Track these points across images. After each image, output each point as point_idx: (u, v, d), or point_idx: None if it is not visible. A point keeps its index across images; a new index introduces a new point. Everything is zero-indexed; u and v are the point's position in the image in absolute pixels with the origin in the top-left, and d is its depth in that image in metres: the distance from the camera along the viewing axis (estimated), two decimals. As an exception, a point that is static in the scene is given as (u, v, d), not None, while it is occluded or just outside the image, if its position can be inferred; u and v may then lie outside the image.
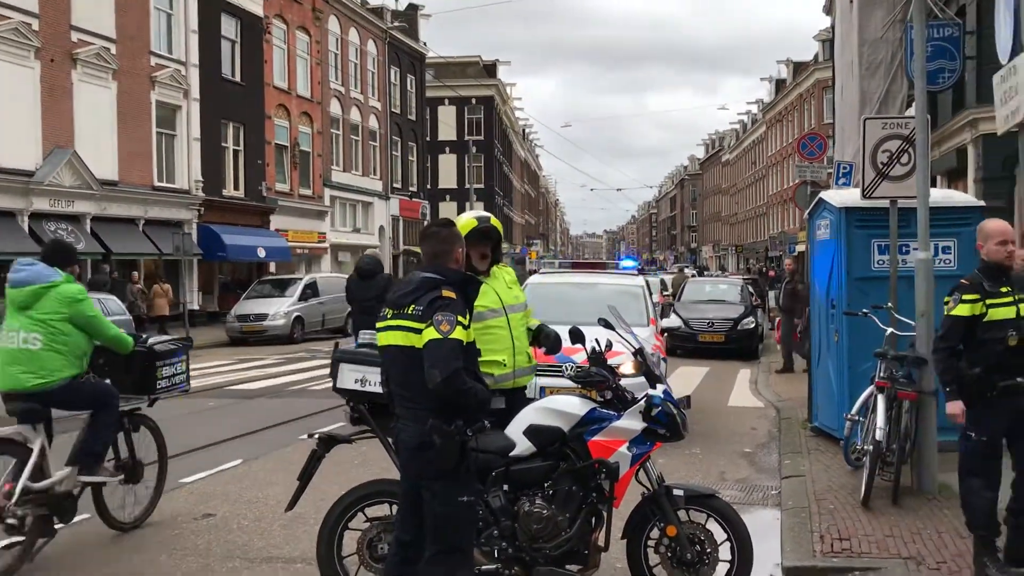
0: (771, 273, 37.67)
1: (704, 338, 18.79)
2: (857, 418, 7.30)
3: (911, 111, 10.79)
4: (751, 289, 22.54)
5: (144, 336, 6.82)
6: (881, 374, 6.95)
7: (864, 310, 7.78)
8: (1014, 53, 6.25)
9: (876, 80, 16.92)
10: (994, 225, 5.21)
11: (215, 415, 11.68)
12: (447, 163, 58.02)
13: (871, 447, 6.56)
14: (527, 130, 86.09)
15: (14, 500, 5.30)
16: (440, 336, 3.91)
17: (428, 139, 51.69)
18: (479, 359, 4.44)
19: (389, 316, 4.12)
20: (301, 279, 25.98)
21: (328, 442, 4.87)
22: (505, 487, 4.70)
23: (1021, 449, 5.09)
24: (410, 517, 4.22)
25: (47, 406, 5.67)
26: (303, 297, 24.47)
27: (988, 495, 5.08)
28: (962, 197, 9.22)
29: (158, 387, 6.42)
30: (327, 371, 5.05)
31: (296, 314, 23.79)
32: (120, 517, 6.29)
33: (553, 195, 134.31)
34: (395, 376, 4.12)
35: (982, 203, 8.80)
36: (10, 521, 5.31)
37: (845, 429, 7.59)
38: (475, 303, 4.85)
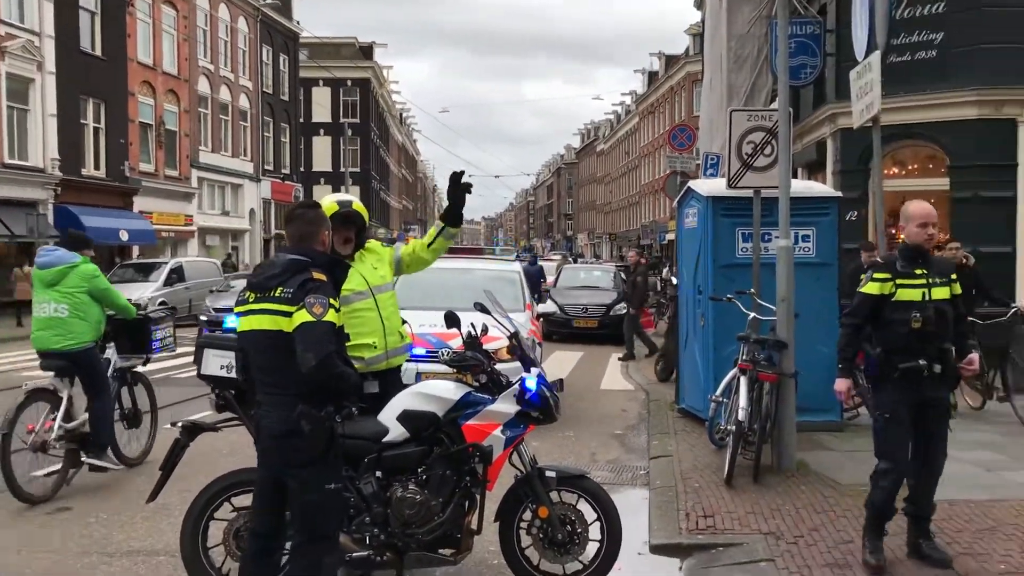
0: (643, 260, 38.52)
1: (578, 323, 19.14)
2: (721, 399, 7.56)
3: (775, 104, 11.22)
4: (623, 276, 23.04)
5: (143, 304, 8.49)
6: (743, 357, 7.21)
7: (728, 295, 8.05)
8: (869, 51, 6.56)
9: (743, 74, 17.53)
10: (916, 207, 5.07)
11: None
12: (322, 145, 56.87)
13: (734, 427, 6.81)
14: (404, 114, 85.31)
15: (54, 435, 6.71)
16: (313, 319, 3.81)
17: (302, 121, 50.51)
18: (348, 343, 4.36)
19: (251, 300, 3.98)
20: (166, 263, 25.02)
21: (192, 431, 4.70)
22: (378, 473, 4.66)
23: (925, 435, 4.99)
24: (267, 508, 4.12)
25: (73, 363, 6.95)
26: (168, 282, 23.56)
27: (891, 478, 4.95)
28: (821, 188, 9.65)
29: (153, 347, 7.72)
30: (192, 358, 4.86)
31: (160, 300, 22.88)
32: (128, 454, 7.55)
33: (431, 180, 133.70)
34: (259, 362, 3.98)
35: (839, 194, 9.25)
36: (52, 453, 6.78)
37: (710, 410, 7.85)
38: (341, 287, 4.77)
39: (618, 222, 79.27)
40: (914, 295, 4.89)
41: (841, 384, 5.17)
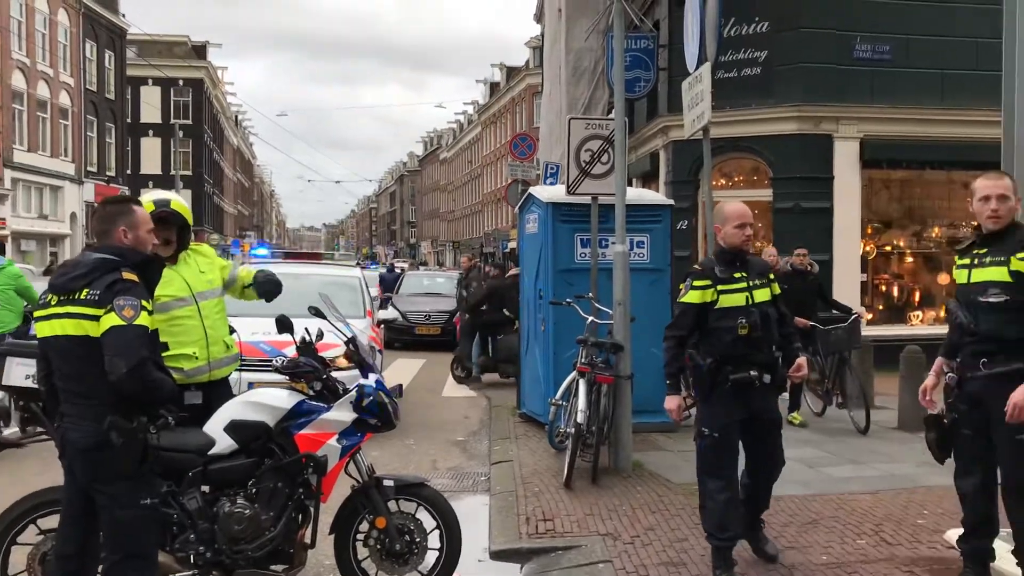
0: (487, 269, 38.75)
1: (421, 330, 19.00)
2: (561, 403, 7.62)
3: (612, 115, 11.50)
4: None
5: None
6: (582, 360, 7.30)
7: (568, 300, 8.15)
8: (700, 63, 6.79)
9: (581, 87, 17.92)
10: (732, 207, 4.85)
11: None
12: (151, 147, 54.18)
13: (573, 430, 6.87)
14: (240, 117, 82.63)
15: None
16: (123, 322, 3.53)
17: (129, 121, 48.00)
18: (167, 353, 4.09)
19: (54, 303, 3.66)
20: (-25, 269, 23.10)
21: (-7, 447, 4.29)
22: (204, 488, 4.40)
23: (757, 452, 4.81)
24: (74, 527, 3.80)
25: None
26: (-23, 289, 21.77)
27: (721, 497, 4.67)
28: (653, 196, 9.97)
29: None
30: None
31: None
32: None
33: (269, 186, 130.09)
34: (64, 370, 3.67)
35: (671, 202, 9.56)
36: None
37: (550, 414, 7.90)
38: (159, 292, 4.46)
39: (461, 230, 79.56)
40: (738, 300, 4.65)
41: (671, 402, 4.82)
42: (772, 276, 4.91)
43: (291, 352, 7.64)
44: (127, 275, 3.64)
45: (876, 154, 14.37)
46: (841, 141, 14.26)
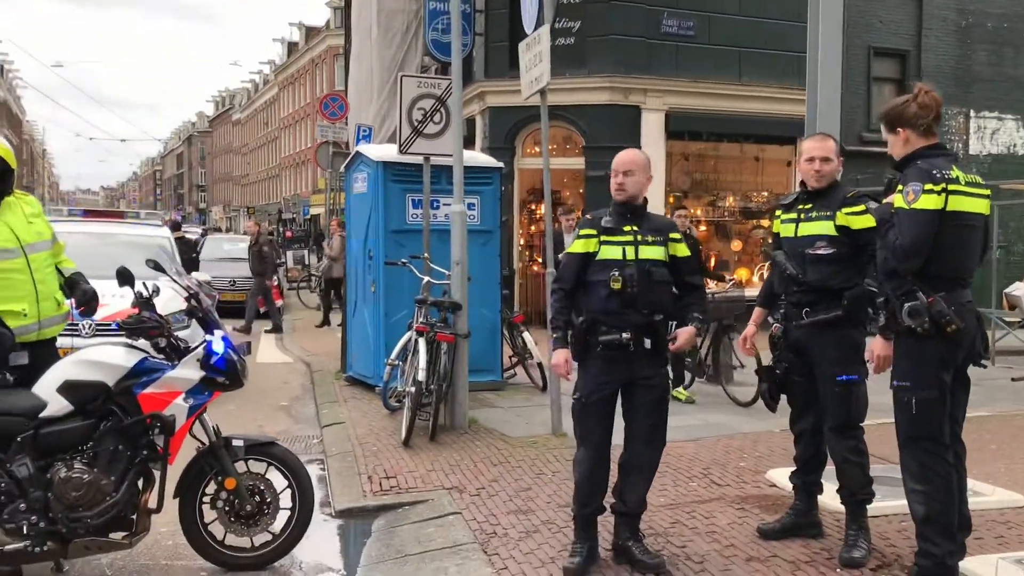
0: (288, 234, 37.87)
1: (225, 297, 18.20)
2: (397, 363, 7.59)
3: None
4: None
5: None
6: (421, 319, 7.30)
7: (403, 260, 8.09)
8: (538, 24, 6.87)
9: (393, 49, 17.68)
10: (616, 156, 4.46)
11: None
12: (-98, 96, 48.55)
13: (413, 388, 6.85)
14: (6, 67, 75.50)
15: None
16: None
17: None
18: None
19: None
20: None
21: None
22: (35, 453, 4.06)
23: (631, 425, 4.36)
24: None
25: None
26: None
27: (584, 467, 4.33)
28: (484, 158, 10.03)
29: None
30: None
31: None
32: None
33: (40, 144, 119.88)
34: None
35: (501, 164, 9.66)
36: None
37: (384, 374, 7.85)
38: None
39: (257, 195, 76.71)
40: (617, 253, 4.28)
41: (558, 356, 4.31)
42: (676, 236, 4.40)
43: (100, 316, 7.21)
44: None
45: (679, 126, 15.15)
46: (648, 112, 14.93)
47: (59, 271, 4.66)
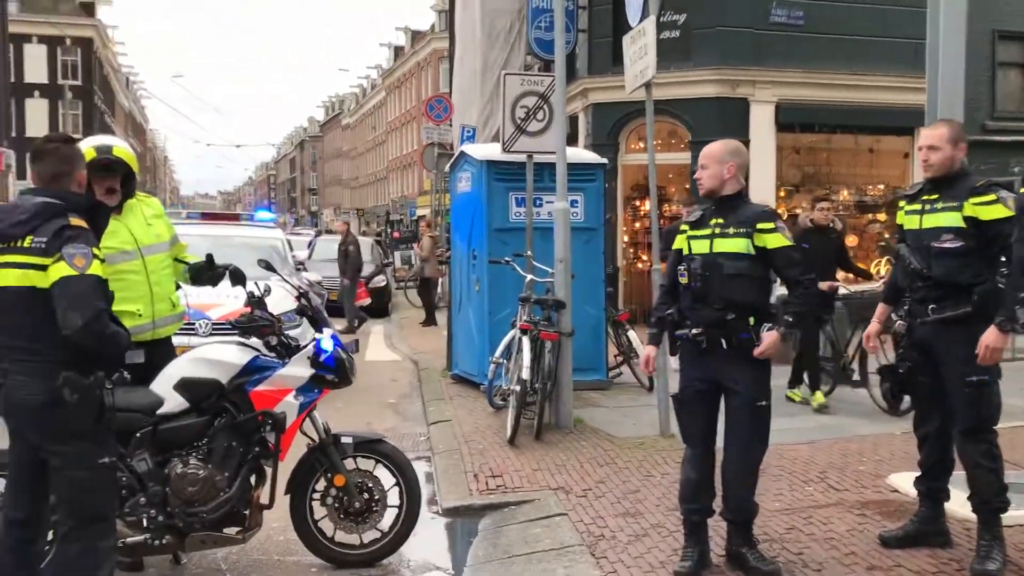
0: (395, 234, 38.52)
1: (335, 296, 18.60)
2: (501, 361, 7.58)
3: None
4: (381, 248, 22.81)
5: None
6: (524, 317, 7.26)
7: (506, 258, 8.07)
8: (644, 16, 6.74)
9: (496, 50, 17.74)
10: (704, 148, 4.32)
11: None
12: (37, 109, 51.43)
13: (518, 387, 6.82)
14: (132, 79, 79.29)
15: None
16: (75, 272, 3.27)
17: (13, 81, 45.42)
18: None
19: None
20: None
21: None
22: (153, 449, 4.18)
23: (726, 423, 4.16)
24: (24, 492, 3.55)
25: None
26: None
27: (685, 465, 4.26)
28: (588, 155, 9.92)
29: None
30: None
31: None
32: None
33: (162, 151, 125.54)
34: (6, 324, 3.38)
35: (605, 160, 9.55)
36: None
37: (489, 372, 7.84)
38: (104, 243, 4.21)
39: (366, 198, 78.42)
40: (693, 247, 4.21)
41: (646, 351, 4.39)
42: (766, 227, 4.08)
43: (216, 315, 7.37)
44: (75, 221, 3.37)
45: (790, 118, 14.70)
46: (757, 105, 14.54)
47: (184, 262, 4.79)
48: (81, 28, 53.70)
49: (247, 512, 4.35)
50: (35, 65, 51.24)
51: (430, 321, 16.32)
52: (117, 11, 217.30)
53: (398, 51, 66.96)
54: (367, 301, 17.43)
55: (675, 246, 4.35)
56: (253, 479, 4.37)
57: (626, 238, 15.99)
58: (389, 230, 45.81)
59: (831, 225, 8.26)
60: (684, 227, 4.36)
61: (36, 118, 51.45)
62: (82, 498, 3.44)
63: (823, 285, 7.47)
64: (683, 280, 4.17)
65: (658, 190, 7.95)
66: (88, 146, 4.37)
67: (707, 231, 4.19)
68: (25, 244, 3.31)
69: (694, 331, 4.09)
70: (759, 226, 4.09)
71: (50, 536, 3.80)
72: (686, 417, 4.27)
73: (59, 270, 3.27)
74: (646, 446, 6.66)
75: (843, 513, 5.01)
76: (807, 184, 15.92)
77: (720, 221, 4.16)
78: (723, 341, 4.06)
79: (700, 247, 4.18)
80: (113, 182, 4.44)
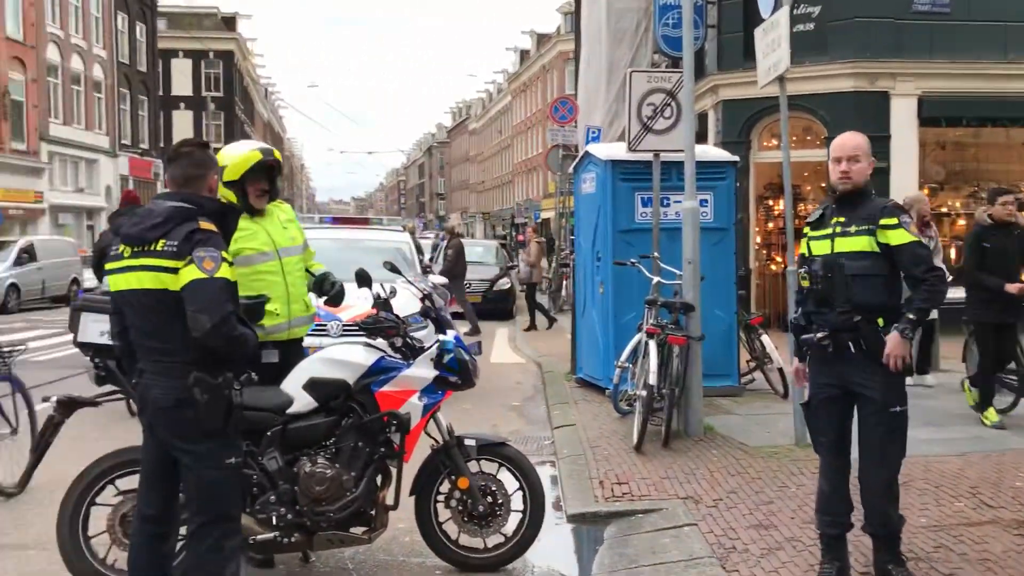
0: (520, 237, 38.70)
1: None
2: (627, 365, 7.42)
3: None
4: (505, 252, 22.97)
5: None
6: (651, 321, 7.09)
7: (632, 260, 7.91)
8: (776, 8, 6.48)
9: (622, 48, 17.52)
10: (834, 141, 4.14)
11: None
12: (183, 120, 54.28)
13: (644, 392, 6.65)
14: (270, 89, 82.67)
15: None
16: (205, 275, 3.34)
17: (161, 93, 48.05)
18: None
19: (127, 254, 3.45)
20: (16, 242, 23.21)
21: (68, 405, 4.16)
22: (283, 447, 4.24)
23: (859, 431, 3.97)
24: (155, 489, 3.65)
25: None
26: (18, 262, 21.86)
27: (820, 475, 4.12)
28: (718, 152, 9.63)
29: None
30: (49, 341, 4.29)
31: (10, 281, 21.23)
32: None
33: (299, 159, 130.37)
34: (140, 325, 3.48)
35: (736, 158, 9.25)
36: None
37: (614, 377, 7.69)
38: (243, 245, 4.33)
39: (491, 201, 79.25)
40: (813, 248, 4.04)
41: (795, 366, 4.24)
42: (889, 222, 3.85)
43: (347, 316, 7.47)
44: (204, 224, 3.44)
45: (934, 111, 13.92)
46: (898, 98, 13.83)
47: (309, 272, 4.87)
48: (223, 42, 56.34)
49: (373, 512, 4.36)
50: (181, 78, 54.08)
51: (532, 326, 16.33)
52: (256, 24, 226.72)
53: (524, 55, 67.39)
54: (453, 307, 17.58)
55: (799, 250, 4.20)
56: (379, 479, 4.39)
57: (759, 239, 15.50)
58: (514, 233, 46.05)
59: (1013, 220, 7.38)
60: (805, 229, 4.17)
61: (182, 129, 54.22)
62: (210, 497, 3.51)
63: (1012, 288, 6.96)
64: (805, 283, 4.04)
65: (793, 188, 7.64)
66: (251, 149, 4.53)
67: (827, 231, 4.00)
68: (158, 247, 3.39)
69: (819, 335, 3.91)
70: (882, 222, 3.87)
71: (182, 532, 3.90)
72: (817, 425, 4.12)
73: (189, 273, 3.34)
74: (780, 455, 6.38)
75: (998, 532, 4.65)
76: (952, 181, 15.06)
77: (841, 220, 3.96)
78: (851, 345, 3.86)
79: (820, 248, 4.01)
80: (267, 184, 4.56)
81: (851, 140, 4.05)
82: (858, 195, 3.98)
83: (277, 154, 4.63)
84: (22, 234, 28.92)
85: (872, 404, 3.87)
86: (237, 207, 3.94)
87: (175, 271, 3.37)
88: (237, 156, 4.48)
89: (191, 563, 3.56)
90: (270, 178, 4.59)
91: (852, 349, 3.85)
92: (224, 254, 3.45)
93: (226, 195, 4.38)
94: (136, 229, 3.46)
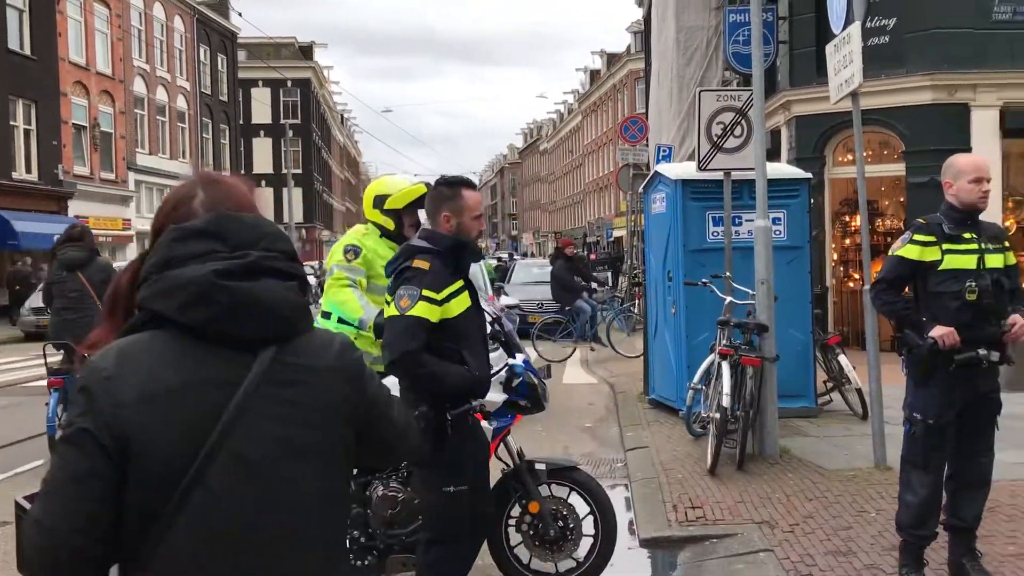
0: (592, 256, 38.65)
1: (534, 319, 18.82)
2: (699, 387, 7.34)
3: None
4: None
5: None
6: (724, 342, 7.00)
7: (704, 280, 7.83)
8: (847, 23, 6.38)
9: (692, 66, 17.44)
10: (967, 160, 4.34)
11: (7, 414, 10.49)
12: (262, 147, 55.80)
13: (717, 414, 6.57)
14: (346, 115, 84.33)
15: None
16: (397, 312, 3.56)
17: (241, 122, 49.47)
18: None
19: None
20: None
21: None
22: (356, 470, 4.31)
23: (968, 441, 4.22)
24: None
25: None
26: (108, 287, 22.65)
27: (924, 492, 4.21)
28: (791, 170, 9.50)
29: None
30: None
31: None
32: None
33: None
34: None
35: (809, 176, 9.10)
36: None
37: (687, 399, 7.62)
38: (379, 271, 4.61)
39: (563, 220, 79.27)
40: (968, 262, 4.08)
41: (939, 330, 4.05)
42: (1008, 244, 4.26)
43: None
44: (418, 263, 3.63)
45: (1018, 123, 13.46)
46: (979, 110, 13.41)
47: None
48: (300, 70, 57.79)
49: (444, 536, 4.39)
50: (260, 107, 55.59)
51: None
52: (332, 53, 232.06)
53: (594, 75, 67.49)
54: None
55: (914, 256, 4.19)
56: (451, 503, 4.42)
57: (835, 256, 15.17)
58: (586, 252, 45.97)
59: None
60: (921, 237, 4.20)
61: (262, 155, 55.75)
62: (430, 518, 3.80)
63: None
64: (971, 298, 4.05)
65: (869, 204, 7.50)
66: (418, 182, 4.84)
67: (973, 246, 4.14)
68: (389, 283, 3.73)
69: (982, 351, 4.03)
70: (1005, 243, 4.28)
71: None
72: (939, 444, 4.20)
73: (389, 309, 3.62)
74: (859, 479, 6.22)
75: (1093, 562, 4.45)
76: (1038, 194, 14.53)
77: (974, 235, 4.16)
78: (995, 355, 4.10)
79: (965, 262, 4.11)
80: (418, 218, 4.70)
81: (983, 160, 4.33)
82: (977, 213, 4.23)
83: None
84: (112, 260, 29.98)
85: (995, 405, 4.20)
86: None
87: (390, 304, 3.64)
88: (406, 187, 4.73)
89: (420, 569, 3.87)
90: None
91: (995, 358, 4.09)
92: (427, 292, 3.57)
93: (375, 218, 4.84)
94: (387, 263, 3.84)
